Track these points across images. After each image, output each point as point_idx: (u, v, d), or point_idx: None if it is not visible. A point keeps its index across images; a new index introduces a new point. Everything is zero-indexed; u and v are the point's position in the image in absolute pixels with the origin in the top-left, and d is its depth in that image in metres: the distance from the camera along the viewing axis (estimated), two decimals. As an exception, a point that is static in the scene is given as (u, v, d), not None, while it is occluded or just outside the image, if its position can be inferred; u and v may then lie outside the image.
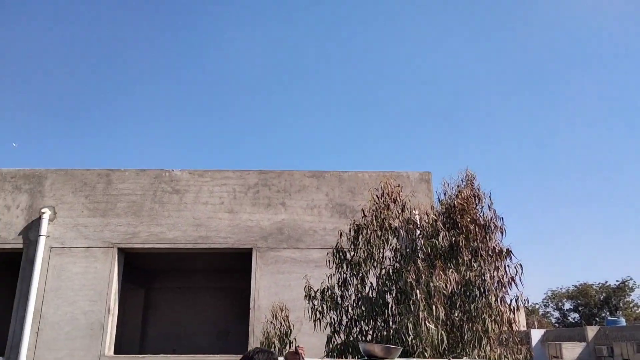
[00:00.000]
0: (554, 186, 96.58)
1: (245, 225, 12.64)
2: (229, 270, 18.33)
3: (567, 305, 62.81)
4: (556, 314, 64.32)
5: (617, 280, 58.02)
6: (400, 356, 7.44)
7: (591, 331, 35.65)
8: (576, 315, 60.59)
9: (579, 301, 60.29)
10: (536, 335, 38.83)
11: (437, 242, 8.16)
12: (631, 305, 58.71)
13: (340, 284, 8.86)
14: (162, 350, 15.16)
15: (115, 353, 11.95)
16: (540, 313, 65.00)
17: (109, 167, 13.09)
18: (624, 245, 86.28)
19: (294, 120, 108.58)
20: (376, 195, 9.13)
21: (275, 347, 9.10)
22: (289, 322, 9.18)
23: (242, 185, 13.02)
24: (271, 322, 9.30)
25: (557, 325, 60.59)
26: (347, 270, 8.90)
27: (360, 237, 8.91)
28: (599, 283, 59.21)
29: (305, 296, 8.90)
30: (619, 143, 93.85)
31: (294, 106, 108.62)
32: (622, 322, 40.10)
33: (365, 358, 5.21)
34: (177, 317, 18.75)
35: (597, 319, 55.55)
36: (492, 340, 7.58)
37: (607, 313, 56.54)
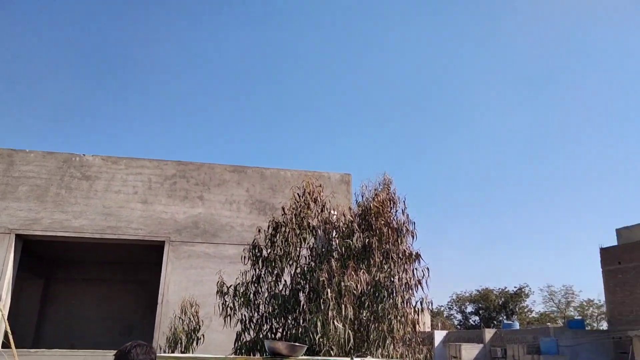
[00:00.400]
0: (463, 194, 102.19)
1: (159, 217, 12.20)
2: (138, 263, 17.63)
3: (470, 309, 66.66)
4: (459, 316, 68.04)
5: (515, 287, 62.50)
6: (306, 354, 7.53)
7: (488, 333, 38.07)
8: (477, 318, 64.44)
9: (480, 305, 64.16)
10: (439, 336, 40.83)
11: (351, 242, 8.33)
12: (525, 310, 63.42)
13: (254, 280, 8.80)
14: (59, 345, 14.25)
15: (3, 347, 11.08)
16: (444, 315, 68.45)
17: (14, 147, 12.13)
18: (523, 253, 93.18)
19: (218, 113, 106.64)
20: (297, 194, 9.17)
21: (182, 343, 8.88)
22: (198, 317, 8.98)
23: (158, 176, 12.56)
24: (179, 318, 9.06)
25: (459, 327, 64.07)
26: (262, 268, 8.85)
27: (279, 234, 8.90)
28: (499, 288, 63.43)
29: (217, 292, 8.75)
30: (521, 155, 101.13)
31: (217, 98, 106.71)
32: (516, 325, 43.18)
33: (270, 356, 5.20)
34: (79, 310, 17.73)
35: (495, 322, 59.38)
36: (396, 340, 7.87)
37: (504, 317, 60.62)
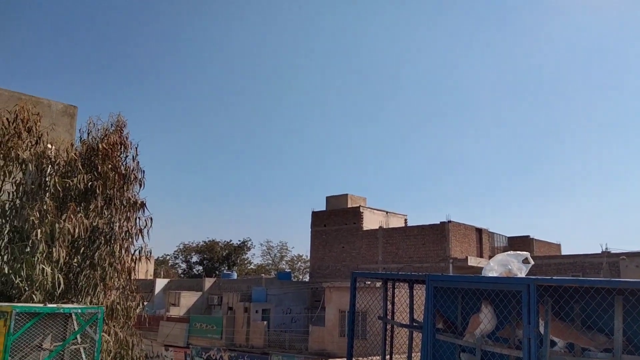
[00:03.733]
0: (201, 146, 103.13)
1: None
2: None
3: (195, 259, 68.73)
4: (184, 265, 69.53)
5: (240, 240, 67.01)
6: (4, 300, 6.70)
7: (208, 282, 40.05)
8: (201, 267, 66.94)
9: (205, 255, 66.79)
10: (160, 284, 41.06)
11: (72, 182, 7.64)
12: (245, 262, 68.76)
13: None
14: None
15: None
16: (169, 264, 69.02)
17: None
18: (250, 210, 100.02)
19: None
20: (7, 119, 7.88)
21: None
22: None
23: None
24: None
25: (182, 276, 65.51)
26: (-55, 201, 7.41)
27: (-24, 164, 7.55)
28: (225, 241, 67.06)
29: None
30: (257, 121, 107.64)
31: None
32: (234, 275, 46.58)
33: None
34: None
35: (217, 272, 62.64)
36: (107, 287, 7.64)
37: (227, 268, 64.51)
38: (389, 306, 5.27)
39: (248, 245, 67.67)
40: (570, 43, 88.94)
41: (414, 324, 5.02)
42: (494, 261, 4.08)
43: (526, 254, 4.08)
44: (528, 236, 37.36)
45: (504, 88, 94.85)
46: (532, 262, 4.09)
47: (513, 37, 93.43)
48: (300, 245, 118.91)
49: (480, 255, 32.64)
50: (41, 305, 4.92)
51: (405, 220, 39.36)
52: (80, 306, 5.65)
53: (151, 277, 45.96)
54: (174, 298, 37.06)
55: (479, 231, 33.65)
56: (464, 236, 31.93)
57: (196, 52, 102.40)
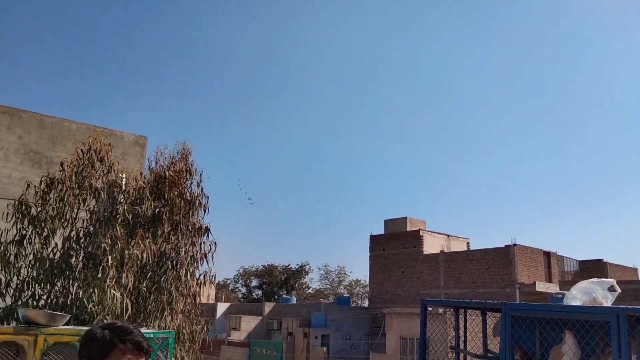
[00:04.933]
0: (262, 175, 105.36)
1: None
2: None
3: (254, 283, 69.51)
4: (244, 289, 70.49)
5: (298, 264, 67.27)
6: (74, 324, 6.95)
7: (268, 307, 40.27)
8: (260, 292, 67.59)
9: (264, 280, 67.41)
10: (222, 308, 41.68)
11: (140, 209, 7.92)
12: (304, 286, 68.80)
13: (16, 240, 7.76)
14: None
15: None
16: (230, 288, 70.20)
17: None
18: (307, 234, 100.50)
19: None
20: (81, 150, 8.33)
21: None
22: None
23: None
24: None
25: (242, 300, 66.37)
26: (28, 227, 7.85)
27: (53, 192, 7.99)
28: (283, 265, 67.51)
29: (-32, 251, 7.51)
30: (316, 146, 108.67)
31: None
32: (294, 300, 46.57)
33: (24, 325, 4.65)
34: None
35: (276, 296, 63.02)
36: (174, 312, 7.78)
37: (285, 292, 64.77)
38: (461, 335, 5.01)
39: (306, 270, 67.76)
40: None
41: (489, 354, 4.74)
42: (577, 289, 3.79)
43: (612, 281, 3.77)
44: (601, 260, 35.14)
45: (567, 108, 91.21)
46: (619, 290, 3.78)
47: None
48: (358, 269, 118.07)
49: (549, 280, 31.00)
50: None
51: (468, 243, 38.14)
52: (152, 331, 5.77)
53: (213, 302, 46.79)
54: (234, 322, 37.45)
55: (547, 255, 32.04)
56: (530, 260, 30.48)
57: (250, 81, 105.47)
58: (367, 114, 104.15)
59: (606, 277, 32.94)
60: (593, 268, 33.75)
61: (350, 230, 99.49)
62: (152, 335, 4.84)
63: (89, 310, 7.17)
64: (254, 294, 68.89)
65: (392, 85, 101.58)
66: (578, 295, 3.77)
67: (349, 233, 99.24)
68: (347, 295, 55.57)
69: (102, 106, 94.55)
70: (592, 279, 3.85)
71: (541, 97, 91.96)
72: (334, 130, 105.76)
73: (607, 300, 3.75)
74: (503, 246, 30.27)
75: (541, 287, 28.13)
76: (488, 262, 30.46)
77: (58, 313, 4.90)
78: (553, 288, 28.67)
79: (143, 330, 6.23)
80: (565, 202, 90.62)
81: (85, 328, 5.10)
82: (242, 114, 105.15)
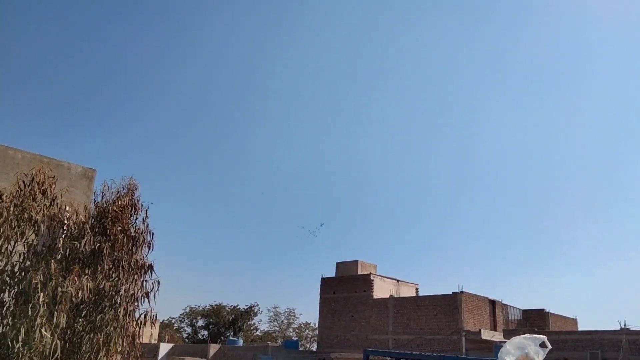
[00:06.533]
0: (215, 204, 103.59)
1: None
2: None
3: (200, 323, 67.09)
4: (189, 329, 67.82)
5: (246, 305, 65.61)
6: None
7: (213, 349, 38.87)
8: (206, 332, 65.20)
9: (212, 320, 65.20)
10: (165, 348, 39.94)
11: (79, 245, 7.63)
12: (252, 328, 66.93)
13: (-56, 273, 7.29)
14: None
15: None
16: (174, 327, 67.41)
17: None
18: (258, 274, 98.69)
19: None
20: (23, 181, 8.02)
21: None
22: None
23: None
24: None
25: (187, 340, 63.78)
26: (-44, 259, 7.41)
27: (-11, 224, 7.60)
28: (232, 305, 65.66)
29: None
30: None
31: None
32: (240, 342, 45.21)
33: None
34: None
35: (223, 337, 60.94)
36: (110, 353, 7.42)
37: (232, 333, 62.79)
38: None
39: (255, 311, 66.20)
40: None
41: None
42: (511, 344, 3.90)
43: (543, 337, 3.91)
44: (543, 309, 36.16)
45: (515, 149, 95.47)
46: (550, 347, 3.91)
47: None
48: (308, 312, 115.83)
49: (494, 328, 31.54)
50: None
51: (417, 289, 38.49)
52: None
53: (155, 342, 44.78)
54: (177, 364, 35.86)
55: (492, 303, 32.72)
56: (476, 308, 31.01)
57: (200, 104, 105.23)
58: (322, 154, 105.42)
59: (548, 327, 33.87)
60: (535, 317, 34.63)
61: (301, 271, 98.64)
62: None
63: (15, 350, 6.76)
64: (199, 334, 66.47)
65: (346, 125, 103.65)
66: (512, 351, 3.88)
67: (300, 274, 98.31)
68: (295, 339, 54.44)
69: (51, 135, 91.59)
70: (525, 335, 3.98)
71: (482, 146, 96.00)
72: (288, 169, 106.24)
73: (538, 356, 3.87)
74: (450, 293, 30.72)
75: (486, 335, 28.57)
76: (436, 308, 30.77)
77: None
78: (497, 336, 29.15)
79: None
80: (510, 250, 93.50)
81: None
82: (194, 147, 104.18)
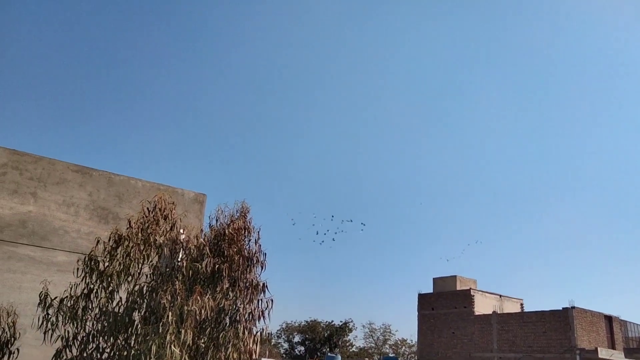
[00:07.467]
0: (310, 220, 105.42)
1: (-22, 209, 10.64)
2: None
3: (297, 338, 68.24)
4: (286, 345, 69.23)
5: (341, 321, 65.75)
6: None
7: (312, 364, 39.37)
8: (302, 348, 66.16)
9: (307, 336, 66.10)
10: (265, 364, 41.04)
11: (200, 266, 8.15)
12: (347, 344, 66.89)
13: (84, 294, 8.10)
14: None
15: None
16: (272, 343, 69.13)
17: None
18: (352, 291, 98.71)
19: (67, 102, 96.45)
20: (147, 208, 8.74)
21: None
22: (14, 328, 7.95)
23: (-15, 163, 11.02)
24: (-9, 327, 7.94)
25: (284, 356, 65.11)
26: (96, 281, 8.20)
27: (120, 248, 8.36)
28: (327, 321, 66.14)
29: (40, 303, 7.89)
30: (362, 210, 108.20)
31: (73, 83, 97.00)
32: (339, 358, 45.28)
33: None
34: None
35: (319, 353, 61.50)
36: (231, 369, 7.79)
37: (328, 349, 63.14)
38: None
39: (350, 327, 66.07)
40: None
41: None
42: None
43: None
44: (669, 325, 32.71)
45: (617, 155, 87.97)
46: None
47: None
48: (404, 328, 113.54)
49: (612, 346, 29.01)
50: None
51: (522, 304, 36.45)
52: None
53: (257, 357, 46.03)
54: (278, 380, 36.62)
55: (609, 319, 30.15)
56: (590, 324, 28.73)
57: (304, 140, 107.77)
58: (414, 169, 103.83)
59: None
60: (660, 334, 31.46)
61: (395, 287, 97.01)
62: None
63: (148, 365, 7.30)
64: (296, 349, 67.47)
65: (438, 146, 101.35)
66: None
67: (395, 290, 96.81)
68: (393, 355, 53.55)
69: (161, 164, 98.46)
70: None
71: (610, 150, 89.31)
72: (386, 189, 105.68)
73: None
74: (560, 309, 28.76)
75: (604, 353, 26.36)
76: (545, 325, 28.90)
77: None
78: (617, 355, 26.79)
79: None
80: (623, 263, 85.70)
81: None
82: (289, 165, 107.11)
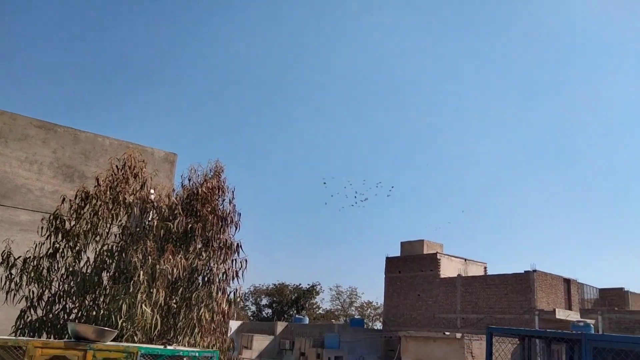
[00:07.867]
0: (282, 189, 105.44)
1: None
2: None
3: (264, 301, 69.07)
4: (253, 307, 70.02)
5: (309, 284, 66.77)
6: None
7: (280, 326, 39.88)
8: (270, 310, 67.09)
9: (275, 299, 66.96)
10: (234, 325, 41.38)
11: (172, 225, 7.94)
12: (314, 306, 68.15)
13: (49, 254, 7.82)
14: None
15: None
16: (239, 306, 69.78)
17: None
18: (322, 254, 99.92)
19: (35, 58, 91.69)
20: (116, 166, 8.41)
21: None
22: (-28, 291, 7.62)
23: (-61, 116, 10.35)
24: (-53, 289, 7.58)
25: (251, 318, 65.92)
26: (61, 241, 7.91)
27: (88, 207, 8.05)
28: (294, 284, 67.02)
29: (2, 262, 7.58)
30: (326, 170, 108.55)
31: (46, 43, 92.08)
32: (306, 320, 46.05)
33: (74, 340, 4.64)
34: None
35: (286, 315, 62.49)
36: (204, 329, 7.72)
37: (295, 311, 64.20)
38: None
39: (317, 290, 67.16)
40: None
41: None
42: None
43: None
44: (622, 288, 34.42)
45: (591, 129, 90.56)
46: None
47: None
48: (370, 291, 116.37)
49: (569, 307, 30.40)
50: (162, 347, 5.02)
51: (485, 268, 37.63)
52: (197, 349, 5.72)
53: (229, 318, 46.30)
54: (246, 341, 37.08)
55: (567, 282, 31.48)
56: (550, 287, 29.95)
57: (280, 100, 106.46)
58: (386, 136, 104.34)
59: (627, 306, 32.20)
60: (614, 296, 33.09)
61: (362, 251, 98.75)
62: (197, 354, 4.79)
63: (119, 325, 7.15)
64: (263, 312, 68.38)
65: (404, 107, 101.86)
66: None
67: (362, 254, 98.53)
68: (359, 317, 54.89)
69: (132, 122, 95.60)
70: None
71: (562, 117, 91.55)
72: (353, 151, 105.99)
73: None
74: (522, 272, 29.83)
75: (561, 314, 27.60)
76: (506, 287, 29.99)
77: (107, 329, 4.88)
78: (573, 316, 28.10)
79: (190, 349, 6.17)
80: (584, 227, 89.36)
81: (133, 345, 5.08)
82: (263, 128, 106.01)
